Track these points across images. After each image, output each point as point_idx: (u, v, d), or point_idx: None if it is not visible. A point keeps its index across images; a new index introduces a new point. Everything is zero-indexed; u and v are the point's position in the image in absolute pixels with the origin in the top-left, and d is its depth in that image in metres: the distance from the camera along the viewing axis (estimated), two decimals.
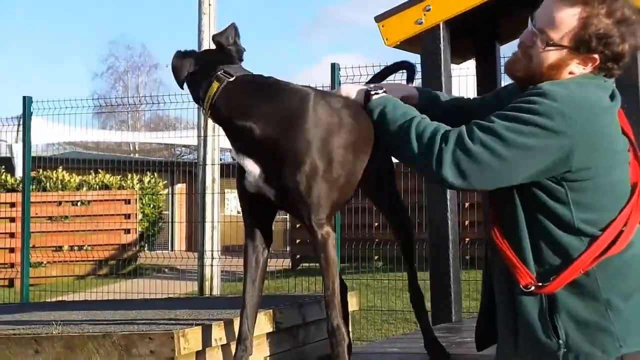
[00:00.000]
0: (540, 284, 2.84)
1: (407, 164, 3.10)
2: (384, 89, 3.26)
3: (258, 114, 3.18)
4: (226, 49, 3.34)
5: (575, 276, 2.82)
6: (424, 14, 4.82)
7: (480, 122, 2.83)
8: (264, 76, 3.32)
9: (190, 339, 3.44)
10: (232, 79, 3.24)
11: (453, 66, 5.56)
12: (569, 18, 2.88)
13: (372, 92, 3.22)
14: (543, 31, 2.92)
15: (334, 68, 9.71)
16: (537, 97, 2.80)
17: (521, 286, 2.85)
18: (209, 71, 3.28)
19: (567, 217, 2.83)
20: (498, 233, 2.94)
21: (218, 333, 3.62)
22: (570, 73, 2.94)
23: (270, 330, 3.98)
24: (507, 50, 5.77)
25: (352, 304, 4.60)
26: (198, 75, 3.31)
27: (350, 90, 3.37)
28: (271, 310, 4.00)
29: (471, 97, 3.69)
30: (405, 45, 5.07)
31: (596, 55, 2.90)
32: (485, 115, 2.91)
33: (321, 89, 4.20)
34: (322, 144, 3.15)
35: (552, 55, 2.92)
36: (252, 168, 3.23)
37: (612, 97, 2.94)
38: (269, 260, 3.45)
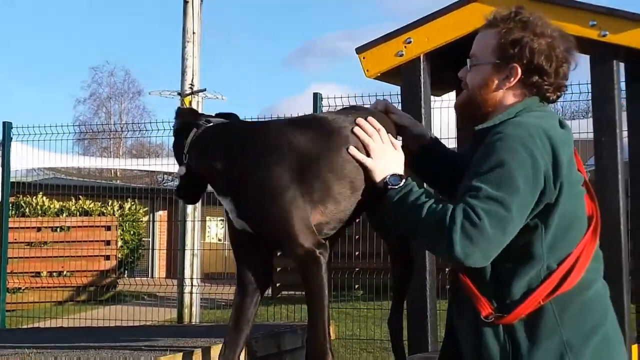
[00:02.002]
0: (499, 314, 2.86)
1: (419, 245, 3.08)
2: (406, 176, 3.10)
3: (219, 153, 3.27)
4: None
5: (532, 308, 2.83)
6: (405, 47, 4.85)
7: (472, 194, 2.79)
8: (241, 120, 3.41)
9: None
10: (209, 125, 3.33)
11: (433, 98, 5.60)
12: (488, 37, 3.03)
13: (390, 186, 3.05)
14: (471, 55, 3.07)
15: (317, 98, 9.77)
16: (501, 142, 2.81)
17: (482, 317, 2.87)
18: (193, 121, 3.43)
19: (534, 248, 2.86)
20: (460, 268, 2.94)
21: None
22: (499, 89, 3.01)
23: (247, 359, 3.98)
24: None
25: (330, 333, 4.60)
26: (184, 127, 3.43)
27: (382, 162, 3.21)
28: (248, 340, 3.99)
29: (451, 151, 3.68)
30: (385, 77, 5.10)
31: (515, 64, 2.96)
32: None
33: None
34: (279, 173, 3.16)
35: (478, 73, 3.04)
36: (228, 207, 3.27)
37: (561, 125, 2.99)
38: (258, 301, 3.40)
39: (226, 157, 3.25)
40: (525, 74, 2.98)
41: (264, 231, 3.21)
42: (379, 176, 3.12)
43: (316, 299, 3.15)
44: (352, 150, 3.22)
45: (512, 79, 2.99)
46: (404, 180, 3.02)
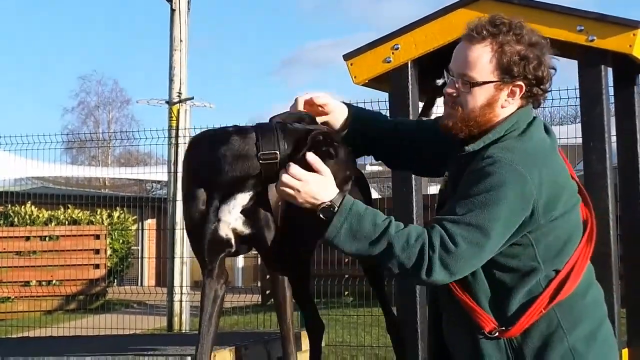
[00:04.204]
0: (503, 328, 2.84)
1: (389, 272, 2.84)
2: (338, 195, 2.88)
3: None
4: None
5: (536, 317, 2.83)
6: (392, 53, 4.85)
7: (453, 218, 2.76)
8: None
9: None
10: None
11: (421, 104, 5.60)
12: (483, 53, 2.89)
13: (322, 207, 2.85)
14: (464, 75, 2.92)
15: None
16: (492, 166, 2.79)
17: (485, 332, 2.85)
18: None
19: (529, 262, 2.85)
20: (457, 285, 2.89)
21: None
22: (502, 107, 2.93)
23: None
24: None
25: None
26: None
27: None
28: (234, 347, 3.98)
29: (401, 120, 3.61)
30: (373, 83, 5.09)
31: (520, 82, 2.91)
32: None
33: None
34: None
35: (480, 94, 2.91)
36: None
37: (547, 131, 2.99)
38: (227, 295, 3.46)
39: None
40: (527, 87, 2.93)
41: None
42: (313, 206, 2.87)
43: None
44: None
45: (517, 95, 2.93)
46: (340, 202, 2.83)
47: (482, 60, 2.89)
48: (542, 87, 2.95)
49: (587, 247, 2.96)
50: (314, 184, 2.86)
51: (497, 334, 2.84)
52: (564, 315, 2.86)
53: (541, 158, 2.86)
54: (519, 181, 2.76)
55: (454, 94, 2.95)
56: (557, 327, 2.85)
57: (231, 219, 3.20)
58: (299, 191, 2.86)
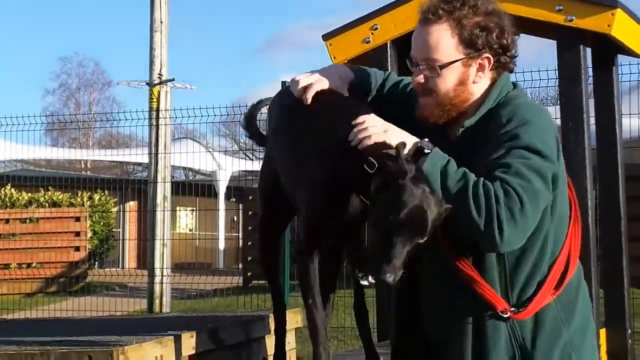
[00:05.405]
0: (514, 309, 2.77)
1: (465, 226, 2.68)
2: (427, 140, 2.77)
3: None
4: None
5: (546, 301, 2.78)
6: (371, 33, 4.83)
7: (504, 170, 2.65)
8: None
9: (130, 357, 3.41)
10: None
11: None
12: (443, 33, 2.82)
13: (426, 149, 2.73)
14: (428, 59, 2.84)
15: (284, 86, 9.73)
16: (520, 108, 2.77)
17: (498, 311, 2.76)
18: None
19: (542, 235, 2.79)
20: (465, 263, 2.78)
21: (159, 350, 3.60)
22: (474, 83, 2.87)
23: (213, 347, 3.96)
24: None
25: (297, 321, 4.59)
26: None
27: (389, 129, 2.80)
28: (215, 328, 3.98)
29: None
30: (352, 63, 5.06)
31: (487, 54, 2.85)
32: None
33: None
34: None
35: (450, 75, 2.84)
36: None
37: None
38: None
39: None
40: (495, 57, 2.87)
41: None
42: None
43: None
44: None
45: (487, 68, 2.87)
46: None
47: (443, 40, 2.83)
48: (508, 54, 2.90)
49: (576, 228, 2.91)
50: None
51: (508, 314, 2.76)
52: (562, 306, 2.82)
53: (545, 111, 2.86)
54: (546, 115, 2.79)
55: (423, 82, 2.88)
56: (557, 318, 2.81)
57: None
58: (385, 131, 2.76)
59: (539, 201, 2.66)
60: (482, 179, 2.64)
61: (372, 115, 2.85)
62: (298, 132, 3.16)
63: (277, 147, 3.33)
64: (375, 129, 2.77)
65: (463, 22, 2.82)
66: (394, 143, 2.67)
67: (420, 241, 2.64)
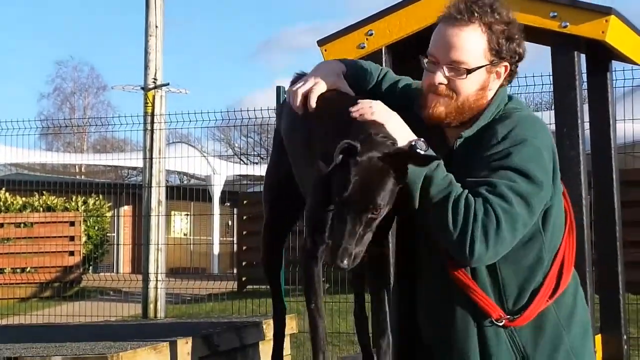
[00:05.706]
0: (509, 317, 2.77)
1: (438, 233, 2.70)
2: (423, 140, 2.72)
3: None
4: None
5: (542, 307, 2.78)
6: (366, 39, 4.83)
7: (488, 189, 2.65)
8: None
9: None
10: None
11: None
12: (474, 36, 2.80)
13: (422, 152, 2.68)
14: (456, 61, 2.80)
15: (279, 91, 9.73)
16: (521, 145, 2.72)
17: (493, 319, 2.77)
18: None
19: (540, 253, 2.80)
20: (460, 270, 2.77)
21: (154, 357, 3.59)
22: (489, 90, 2.88)
23: (208, 353, 3.96)
24: None
25: (292, 327, 4.59)
26: None
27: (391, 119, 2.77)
28: (210, 334, 3.98)
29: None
30: None
31: (506, 63, 2.86)
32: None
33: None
34: None
35: (475, 79, 2.82)
36: None
37: None
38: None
39: None
40: (511, 67, 2.89)
41: None
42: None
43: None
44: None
45: (502, 75, 2.88)
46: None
47: (474, 43, 2.80)
48: (518, 63, 2.91)
49: (571, 236, 2.91)
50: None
51: (503, 322, 2.77)
52: (561, 311, 2.82)
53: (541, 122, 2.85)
54: (543, 131, 2.77)
55: (445, 82, 2.83)
56: (557, 323, 2.81)
57: None
58: (389, 117, 2.74)
59: (516, 224, 2.65)
60: (466, 191, 2.64)
61: (380, 102, 2.81)
62: (308, 132, 3.15)
63: (290, 147, 3.35)
64: (381, 112, 2.75)
65: (493, 28, 2.80)
66: (391, 128, 2.68)
67: (374, 216, 2.60)
